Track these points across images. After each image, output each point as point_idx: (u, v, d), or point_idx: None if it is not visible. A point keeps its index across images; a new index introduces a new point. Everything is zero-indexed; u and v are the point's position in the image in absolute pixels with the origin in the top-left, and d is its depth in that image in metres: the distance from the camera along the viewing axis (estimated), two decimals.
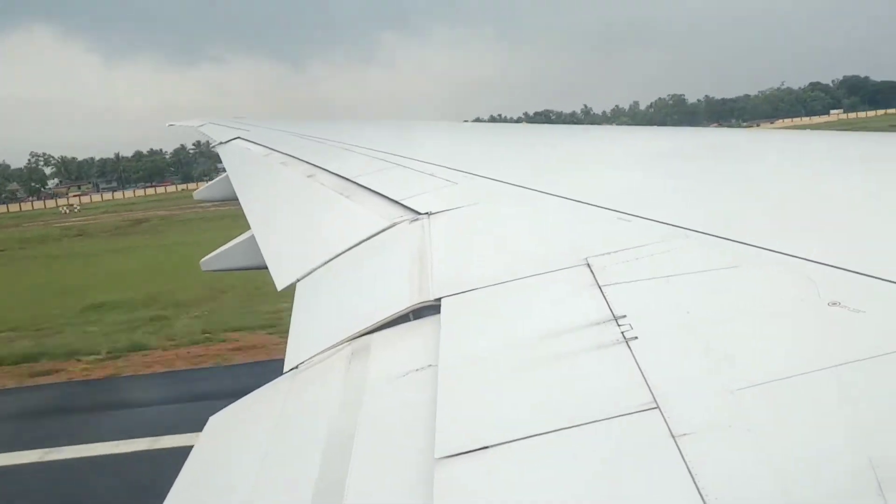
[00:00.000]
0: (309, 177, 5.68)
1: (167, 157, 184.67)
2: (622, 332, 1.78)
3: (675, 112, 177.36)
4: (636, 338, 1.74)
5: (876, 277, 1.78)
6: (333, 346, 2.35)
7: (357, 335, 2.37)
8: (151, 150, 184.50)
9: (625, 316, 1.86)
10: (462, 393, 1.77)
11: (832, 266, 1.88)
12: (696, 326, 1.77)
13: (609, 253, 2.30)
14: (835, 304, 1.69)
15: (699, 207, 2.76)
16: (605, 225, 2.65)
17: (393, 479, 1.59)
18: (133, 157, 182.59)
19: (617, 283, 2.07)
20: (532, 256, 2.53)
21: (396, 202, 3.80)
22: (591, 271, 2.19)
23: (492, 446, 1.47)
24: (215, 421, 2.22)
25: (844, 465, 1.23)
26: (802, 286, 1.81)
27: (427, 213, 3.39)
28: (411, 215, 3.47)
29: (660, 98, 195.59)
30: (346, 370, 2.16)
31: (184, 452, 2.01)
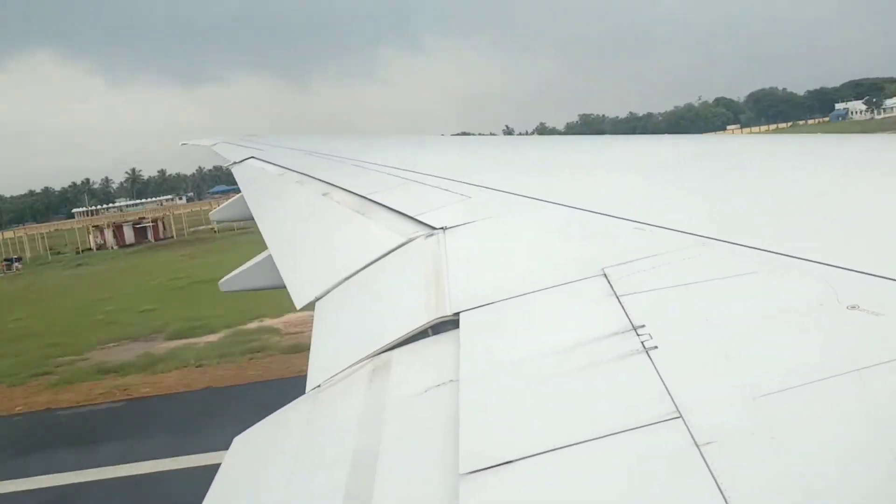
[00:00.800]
0: (324, 195, 5.72)
1: (56, 191, 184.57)
2: (642, 342, 1.78)
3: (585, 132, 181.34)
4: (656, 347, 1.74)
5: (892, 279, 1.78)
6: (354, 364, 2.37)
7: (377, 352, 2.38)
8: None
9: (644, 325, 1.86)
10: (484, 407, 1.78)
11: (849, 269, 1.88)
12: (715, 334, 1.77)
13: (626, 263, 2.30)
14: (853, 307, 1.69)
15: (714, 215, 2.76)
16: (621, 235, 2.65)
17: (419, 496, 1.60)
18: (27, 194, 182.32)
19: (635, 293, 2.07)
20: (548, 268, 2.54)
21: (411, 218, 3.82)
22: (609, 282, 2.20)
23: (516, 460, 1.48)
24: (240, 441, 2.24)
25: (870, 469, 1.23)
26: (820, 290, 1.81)
27: (442, 228, 3.40)
28: (426, 230, 3.48)
29: (583, 114, 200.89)
30: (367, 388, 2.17)
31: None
